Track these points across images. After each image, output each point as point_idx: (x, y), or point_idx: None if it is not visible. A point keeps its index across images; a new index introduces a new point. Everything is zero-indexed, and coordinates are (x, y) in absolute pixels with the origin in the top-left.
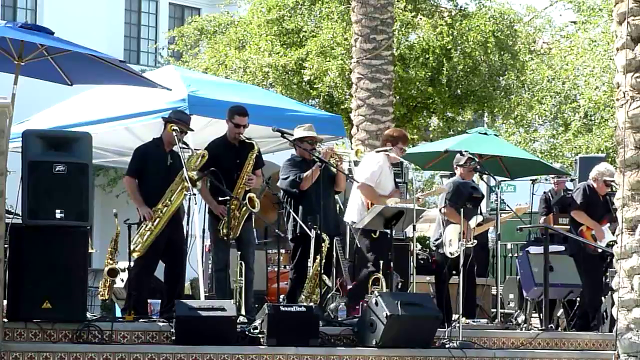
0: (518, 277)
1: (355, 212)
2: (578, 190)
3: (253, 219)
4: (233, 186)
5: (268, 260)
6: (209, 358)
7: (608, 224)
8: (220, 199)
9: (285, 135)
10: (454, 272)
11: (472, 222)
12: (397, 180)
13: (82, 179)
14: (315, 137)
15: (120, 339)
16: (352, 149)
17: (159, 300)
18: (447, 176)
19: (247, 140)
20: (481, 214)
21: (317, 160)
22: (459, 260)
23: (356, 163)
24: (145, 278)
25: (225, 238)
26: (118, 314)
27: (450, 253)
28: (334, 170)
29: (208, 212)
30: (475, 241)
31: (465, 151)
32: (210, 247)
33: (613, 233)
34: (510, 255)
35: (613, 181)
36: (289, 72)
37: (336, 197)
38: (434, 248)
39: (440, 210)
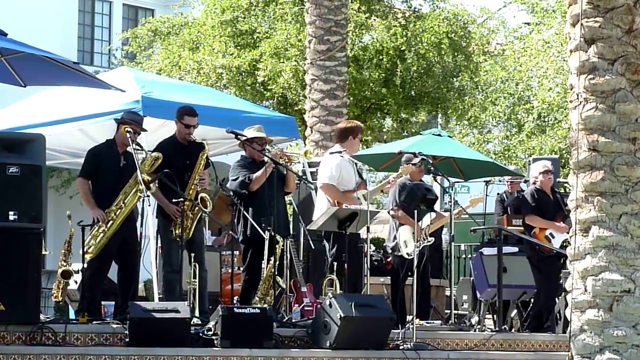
0: (472, 278)
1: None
2: (527, 196)
3: (207, 220)
4: (184, 187)
5: (222, 262)
6: None
7: (562, 222)
8: (174, 200)
9: (239, 136)
10: (409, 273)
11: (424, 222)
12: None
13: (36, 180)
14: (265, 138)
15: (74, 340)
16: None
17: (113, 302)
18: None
19: (197, 141)
20: (434, 211)
21: (268, 160)
22: (413, 262)
23: (310, 165)
24: (99, 280)
25: (178, 239)
26: (72, 315)
27: (407, 254)
28: (284, 170)
29: (159, 215)
30: (432, 239)
31: (419, 152)
32: (162, 249)
33: (567, 232)
34: (463, 256)
35: (550, 171)
36: (243, 74)
37: (288, 197)
38: (389, 251)
39: (389, 212)
